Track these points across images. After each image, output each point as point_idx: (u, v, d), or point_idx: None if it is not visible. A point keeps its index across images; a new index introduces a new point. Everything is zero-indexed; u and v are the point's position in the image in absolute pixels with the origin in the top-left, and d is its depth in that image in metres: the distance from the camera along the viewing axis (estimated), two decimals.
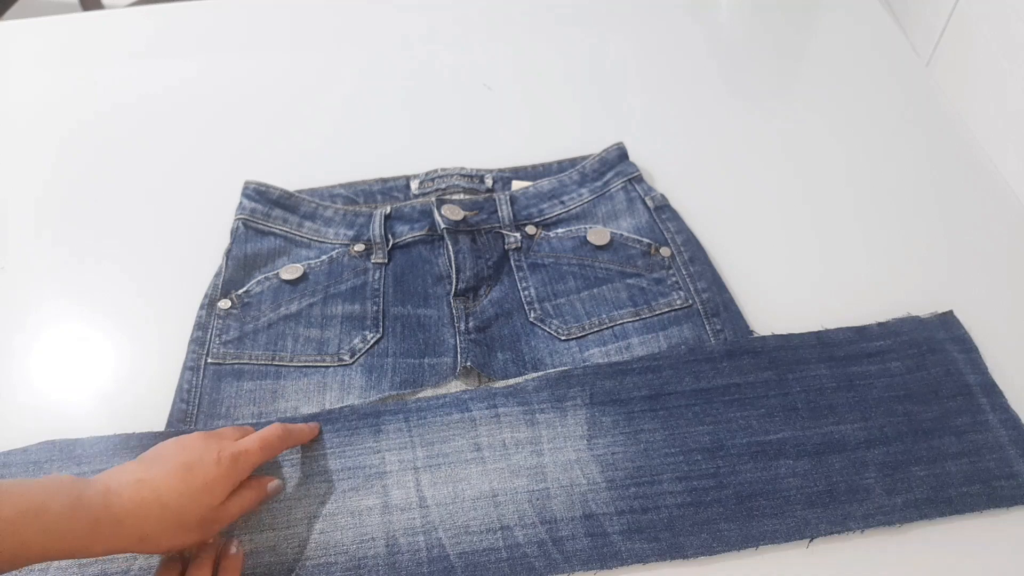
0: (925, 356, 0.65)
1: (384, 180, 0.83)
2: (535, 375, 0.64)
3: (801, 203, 0.78)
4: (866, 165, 0.82)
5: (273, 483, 0.57)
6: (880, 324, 0.67)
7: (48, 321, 0.73)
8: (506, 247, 0.74)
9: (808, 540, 0.56)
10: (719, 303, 0.68)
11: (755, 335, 0.67)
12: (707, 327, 0.66)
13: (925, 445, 0.60)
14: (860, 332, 0.67)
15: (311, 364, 0.67)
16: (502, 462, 0.59)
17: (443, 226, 0.73)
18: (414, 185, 0.82)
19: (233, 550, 0.55)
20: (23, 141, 0.92)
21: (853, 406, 0.62)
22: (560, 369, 0.64)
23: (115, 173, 0.86)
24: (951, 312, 0.68)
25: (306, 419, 0.62)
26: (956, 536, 0.57)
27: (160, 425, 0.64)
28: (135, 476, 0.49)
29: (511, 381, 0.64)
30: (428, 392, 0.65)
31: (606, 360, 0.65)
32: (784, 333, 0.66)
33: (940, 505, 0.57)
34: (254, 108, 0.92)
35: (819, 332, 0.66)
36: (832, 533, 0.56)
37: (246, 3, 1.09)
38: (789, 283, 0.72)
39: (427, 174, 0.83)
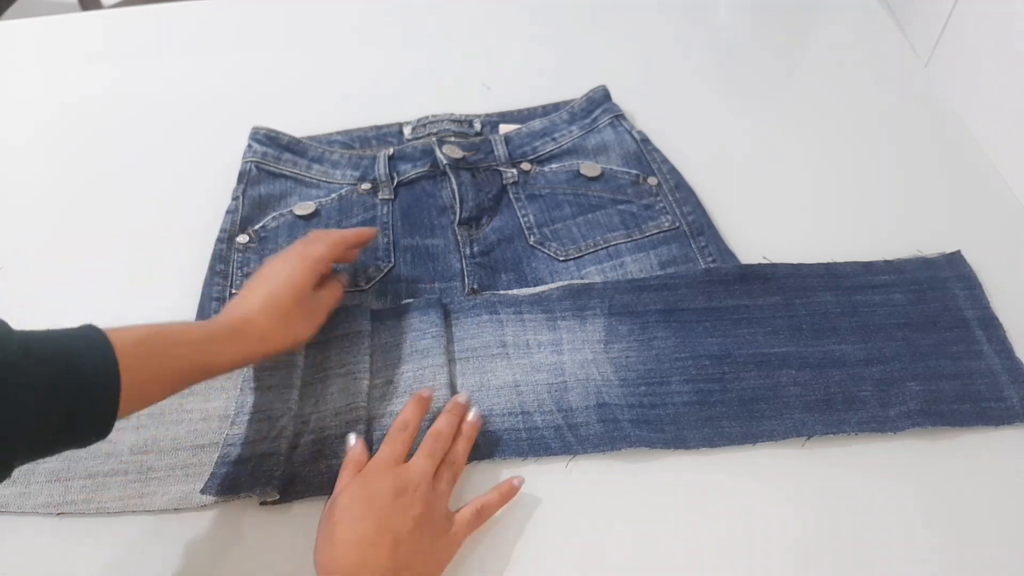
0: (926, 292, 0.68)
1: (378, 127, 0.88)
2: (559, 284, 0.69)
3: (798, 206, 0.78)
4: (864, 165, 0.82)
5: (345, 277, 0.68)
6: (887, 261, 0.71)
7: (49, 321, 0.71)
8: (504, 182, 0.80)
9: (804, 439, 0.61)
10: (703, 223, 0.75)
11: (767, 261, 0.71)
12: (693, 245, 0.73)
13: (921, 365, 0.64)
14: (867, 267, 0.70)
15: None
16: (525, 359, 0.65)
17: (445, 162, 0.79)
18: (407, 131, 0.87)
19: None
20: (23, 140, 0.91)
21: (855, 330, 0.66)
22: (582, 282, 0.69)
23: (115, 172, 0.86)
24: (959, 252, 0.71)
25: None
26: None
27: None
28: (235, 302, 0.60)
29: (536, 289, 0.69)
30: None
31: (602, 277, 0.71)
32: (794, 263, 0.70)
33: (931, 417, 0.61)
34: (253, 107, 0.91)
35: (827, 264, 0.70)
36: (827, 434, 0.60)
37: (244, 3, 1.09)
38: None
39: (419, 120, 0.88)
